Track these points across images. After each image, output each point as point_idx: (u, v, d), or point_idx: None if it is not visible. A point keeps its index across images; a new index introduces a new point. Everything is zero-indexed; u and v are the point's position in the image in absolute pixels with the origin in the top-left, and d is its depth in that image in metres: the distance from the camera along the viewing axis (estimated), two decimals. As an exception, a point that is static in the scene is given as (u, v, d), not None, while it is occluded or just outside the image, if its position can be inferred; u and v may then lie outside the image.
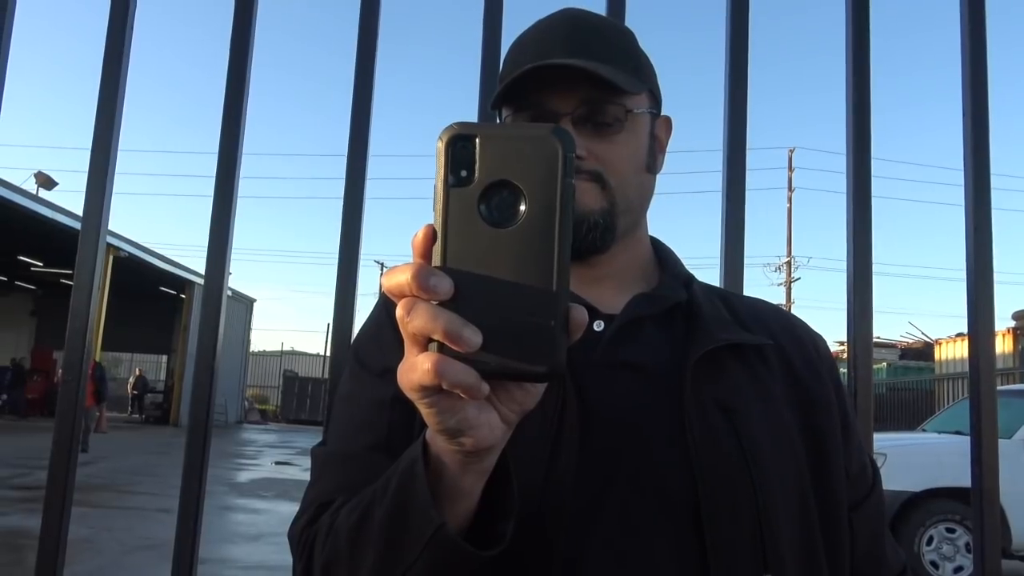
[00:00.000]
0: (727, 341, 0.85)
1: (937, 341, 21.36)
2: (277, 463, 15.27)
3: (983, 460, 1.33)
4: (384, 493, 0.66)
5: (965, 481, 1.37)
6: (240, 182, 1.47)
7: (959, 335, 19.13)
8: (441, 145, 0.53)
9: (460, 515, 0.64)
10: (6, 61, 1.49)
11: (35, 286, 28.91)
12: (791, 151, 29.36)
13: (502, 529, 0.64)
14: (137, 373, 29.30)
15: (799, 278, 32.37)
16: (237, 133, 1.46)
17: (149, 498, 9.73)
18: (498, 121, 0.93)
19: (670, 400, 0.81)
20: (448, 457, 0.60)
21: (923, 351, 23.70)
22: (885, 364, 22.49)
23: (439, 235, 0.53)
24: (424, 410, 0.55)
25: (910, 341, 25.37)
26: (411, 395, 0.55)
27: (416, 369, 0.52)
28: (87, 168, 1.44)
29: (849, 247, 1.42)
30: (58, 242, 18.73)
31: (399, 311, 0.52)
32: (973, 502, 1.34)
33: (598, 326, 0.86)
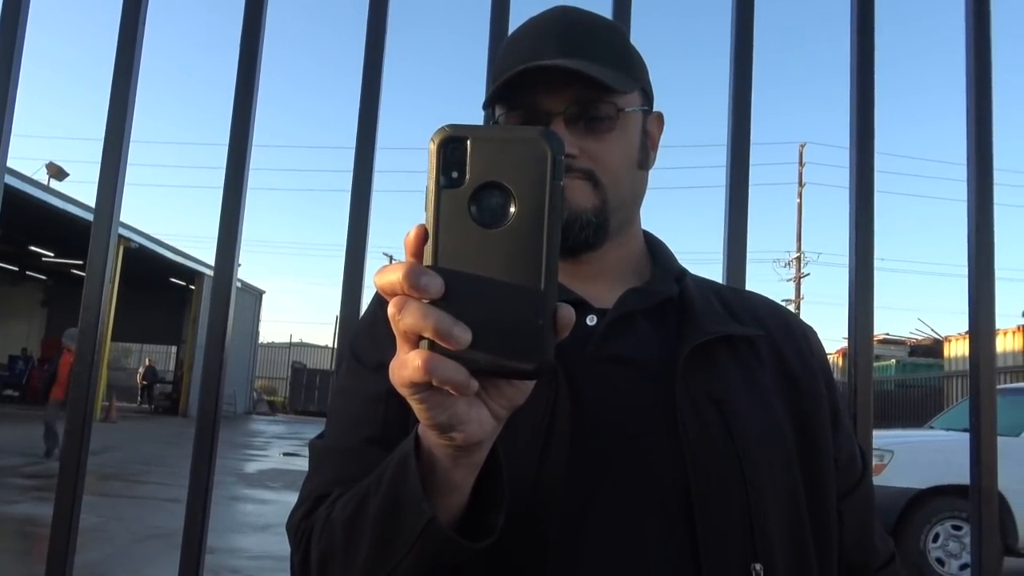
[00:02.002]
0: (718, 333, 0.86)
1: (947, 338, 21.20)
2: (285, 454, 15.32)
3: (982, 458, 1.34)
4: (378, 487, 0.68)
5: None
6: (250, 173, 1.48)
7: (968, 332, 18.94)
8: (433, 147, 0.54)
9: (452, 508, 0.65)
10: (20, 53, 1.50)
11: (46, 276, 29.07)
12: (802, 146, 29.26)
13: (493, 521, 0.65)
14: (147, 363, 29.43)
15: (808, 274, 32.28)
16: (248, 124, 1.47)
17: (158, 488, 9.79)
18: (491, 121, 0.94)
19: (662, 394, 0.81)
20: (440, 451, 0.61)
21: (932, 348, 23.52)
22: (894, 361, 22.36)
23: (430, 235, 0.54)
24: (415, 406, 0.56)
25: (919, 338, 25.19)
26: (403, 391, 0.56)
27: (407, 366, 0.54)
28: (99, 159, 1.45)
29: (851, 240, 1.42)
30: (69, 232, 18.80)
31: (391, 309, 0.53)
32: (972, 500, 1.34)
33: (590, 321, 0.87)
